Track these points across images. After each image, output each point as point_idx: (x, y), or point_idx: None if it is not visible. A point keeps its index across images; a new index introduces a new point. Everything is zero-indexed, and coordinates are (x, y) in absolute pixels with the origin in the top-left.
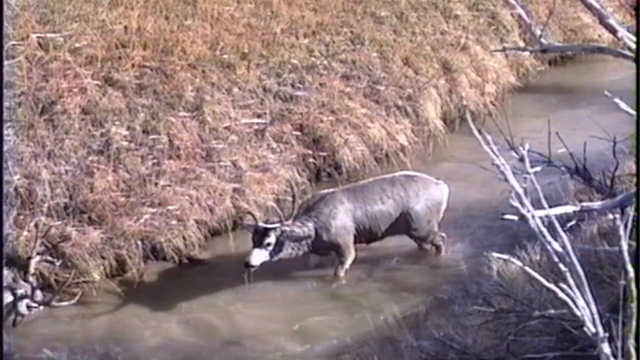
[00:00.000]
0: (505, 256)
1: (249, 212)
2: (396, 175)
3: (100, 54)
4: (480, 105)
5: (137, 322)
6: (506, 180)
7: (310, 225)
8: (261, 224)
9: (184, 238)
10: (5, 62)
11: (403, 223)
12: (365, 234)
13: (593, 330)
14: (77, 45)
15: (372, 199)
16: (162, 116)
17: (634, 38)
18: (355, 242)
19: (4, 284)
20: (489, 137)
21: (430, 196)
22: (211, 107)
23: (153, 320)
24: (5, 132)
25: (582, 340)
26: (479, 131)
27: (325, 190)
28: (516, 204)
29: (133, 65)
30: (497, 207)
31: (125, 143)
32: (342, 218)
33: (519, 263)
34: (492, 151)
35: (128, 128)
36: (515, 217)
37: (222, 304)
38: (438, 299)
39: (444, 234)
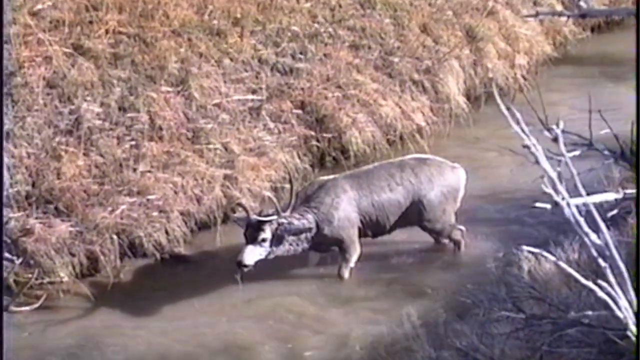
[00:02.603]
0: (536, 250)
1: (239, 204)
2: (405, 159)
3: (68, 17)
4: (510, 80)
5: (112, 330)
6: (537, 163)
7: (310, 217)
8: (255, 216)
9: (166, 232)
10: None
11: (414, 213)
12: (371, 227)
13: (636, 333)
14: (39, 7)
15: (379, 186)
16: (141, 91)
17: None
18: (360, 236)
19: None
20: (519, 116)
21: (445, 182)
22: (198, 81)
23: (130, 327)
24: None
25: (629, 353)
26: (508, 109)
27: (326, 177)
28: (549, 190)
29: (107, 32)
30: (529, 196)
31: (98, 122)
32: (346, 208)
33: (553, 258)
34: (523, 131)
35: (101, 104)
36: (548, 206)
37: (210, 309)
38: (459, 303)
39: (463, 228)
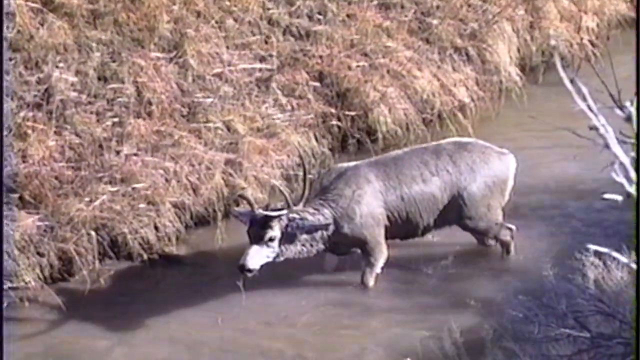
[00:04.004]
0: (605, 250)
1: (242, 195)
2: (443, 143)
3: None
4: (575, 46)
5: (86, 347)
6: (607, 147)
7: (327, 212)
8: (260, 211)
9: (156, 228)
10: None
11: (453, 209)
12: (400, 226)
13: None
14: None
15: (410, 176)
16: (126, 57)
17: None
18: (387, 237)
19: None
20: (585, 91)
21: (490, 171)
22: (195, 46)
23: (108, 344)
24: None
25: None
26: (572, 82)
27: (346, 164)
28: (621, 179)
29: None
30: (595, 187)
31: (73, 94)
32: (370, 203)
33: (624, 259)
34: (590, 109)
35: (77, 73)
36: (619, 197)
37: (206, 320)
38: (509, 318)
39: (513, 226)
